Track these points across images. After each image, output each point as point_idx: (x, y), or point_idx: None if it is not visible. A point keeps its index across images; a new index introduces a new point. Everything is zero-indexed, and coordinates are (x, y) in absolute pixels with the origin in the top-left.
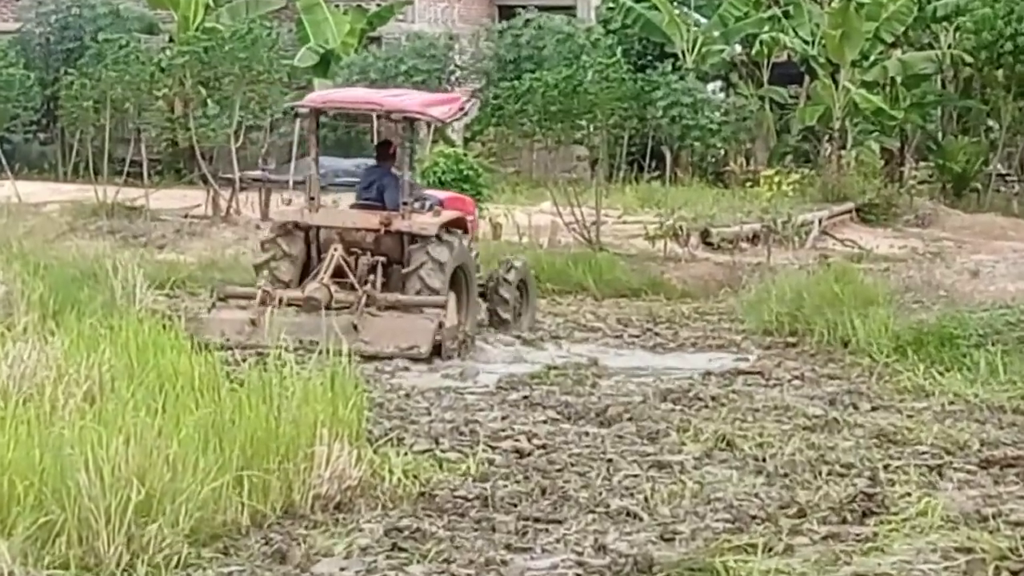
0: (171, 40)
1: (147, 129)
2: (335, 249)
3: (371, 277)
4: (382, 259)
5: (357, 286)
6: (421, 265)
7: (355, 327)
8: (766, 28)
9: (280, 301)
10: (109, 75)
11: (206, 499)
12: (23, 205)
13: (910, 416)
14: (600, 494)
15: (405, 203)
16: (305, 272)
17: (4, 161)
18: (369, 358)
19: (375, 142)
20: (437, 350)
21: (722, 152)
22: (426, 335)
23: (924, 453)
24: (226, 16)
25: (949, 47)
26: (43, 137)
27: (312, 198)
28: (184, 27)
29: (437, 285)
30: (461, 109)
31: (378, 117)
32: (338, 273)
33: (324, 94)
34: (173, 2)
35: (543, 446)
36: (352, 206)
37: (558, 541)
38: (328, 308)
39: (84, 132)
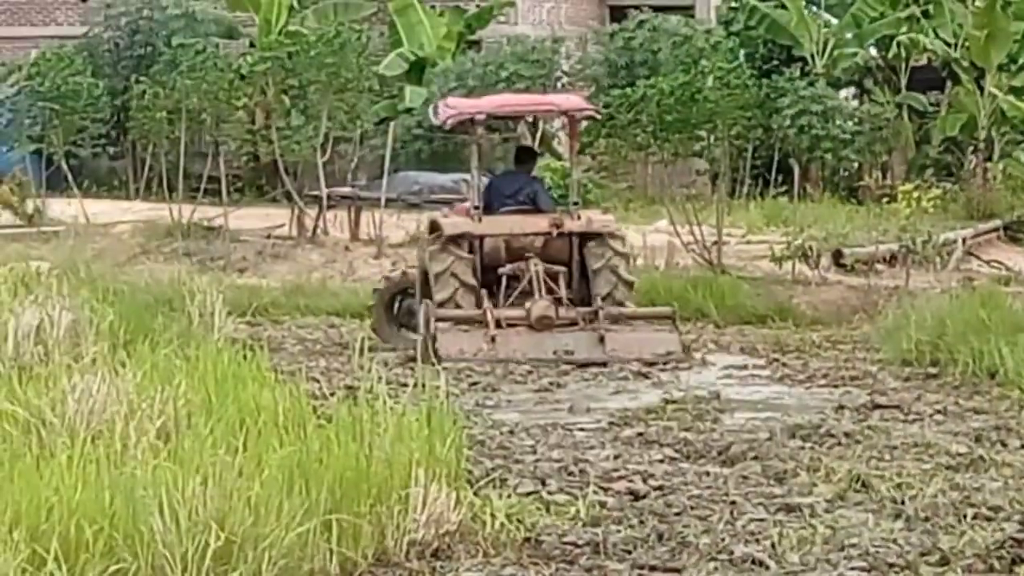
0: (252, 45)
1: (226, 142)
2: (535, 264)
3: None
4: (563, 267)
5: (564, 299)
6: (608, 259)
7: (602, 339)
8: (903, 29)
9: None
10: (184, 83)
11: (291, 545)
12: (91, 226)
13: None
14: (723, 540)
15: (562, 206)
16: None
17: (71, 178)
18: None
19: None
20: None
21: (855, 165)
22: (675, 340)
23: None
24: (312, 19)
25: None
26: (113, 151)
27: (476, 207)
28: (266, 31)
29: (630, 277)
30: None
31: (532, 121)
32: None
33: (471, 102)
34: (254, 4)
35: (660, 487)
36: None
37: None
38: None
39: (157, 146)
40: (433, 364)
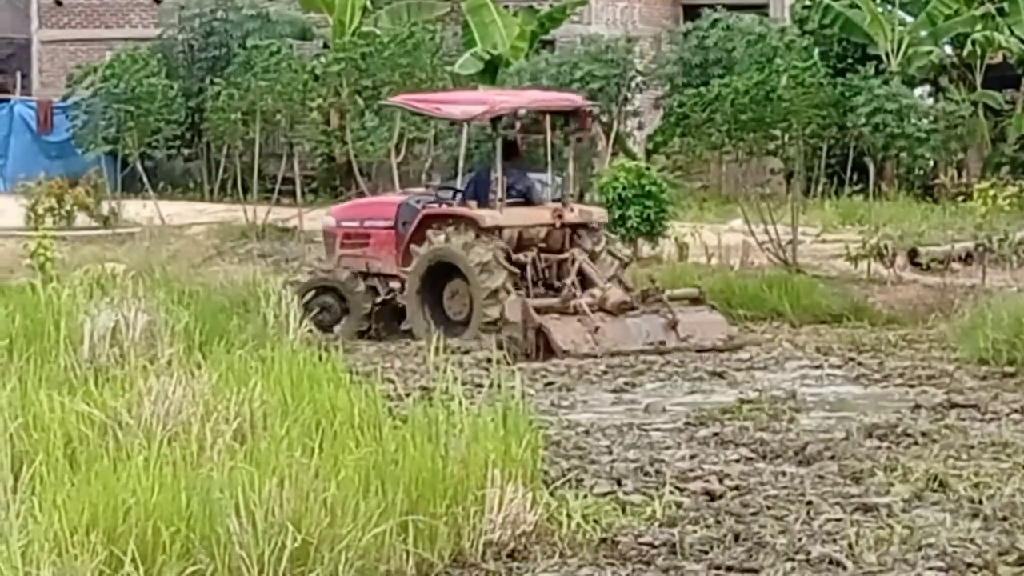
0: (325, 46)
1: (300, 143)
2: (580, 253)
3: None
4: (565, 256)
5: (599, 288)
6: (605, 244)
7: (674, 326)
8: (979, 27)
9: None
10: (258, 85)
11: (368, 546)
12: (166, 227)
13: None
14: (799, 540)
15: (560, 199)
16: None
17: (146, 179)
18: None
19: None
20: None
21: (931, 163)
22: (725, 323)
23: None
24: (385, 20)
25: None
26: (187, 153)
27: (501, 199)
28: (340, 32)
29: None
30: None
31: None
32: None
33: (499, 98)
34: (328, 5)
35: (736, 487)
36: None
37: None
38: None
39: (231, 147)
40: (543, 359)
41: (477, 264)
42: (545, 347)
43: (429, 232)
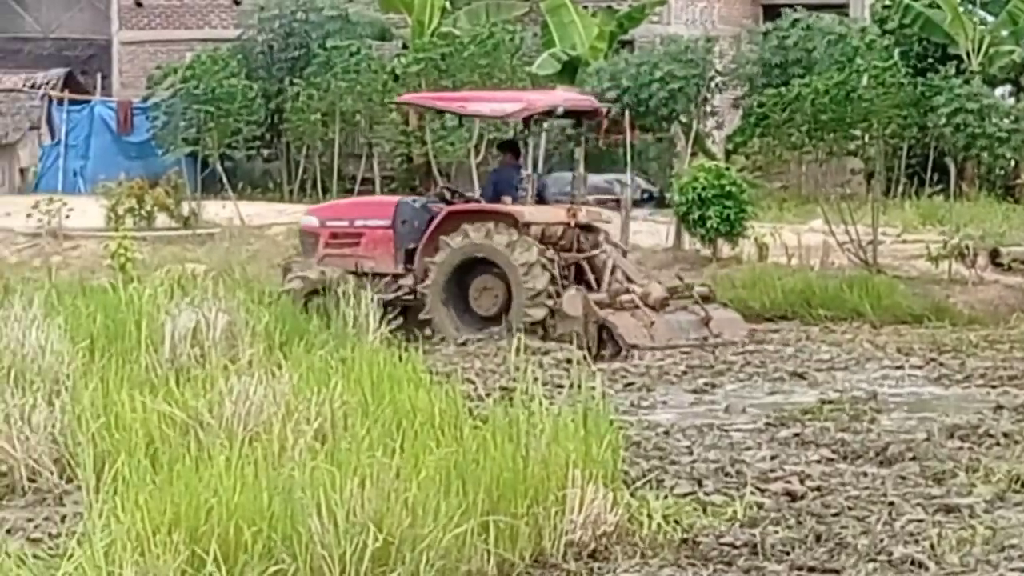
0: (405, 46)
1: (379, 143)
2: (613, 251)
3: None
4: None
5: (637, 284)
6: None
7: (707, 323)
8: None
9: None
10: (338, 85)
11: (449, 546)
12: (246, 228)
13: None
14: (881, 541)
15: (575, 198)
16: None
17: (226, 180)
18: None
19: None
20: None
21: (1012, 163)
22: (743, 321)
23: None
24: (464, 20)
25: None
26: (267, 153)
27: (533, 199)
28: (419, 32)
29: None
30: None
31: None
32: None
33: (534, 97)
34: (407, 6)
35: (817, 488)
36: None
37: None
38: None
39: (311, 147)
40: (611, 355)
41: (523, 264)
42: (605, 341)
43: (466, 227)
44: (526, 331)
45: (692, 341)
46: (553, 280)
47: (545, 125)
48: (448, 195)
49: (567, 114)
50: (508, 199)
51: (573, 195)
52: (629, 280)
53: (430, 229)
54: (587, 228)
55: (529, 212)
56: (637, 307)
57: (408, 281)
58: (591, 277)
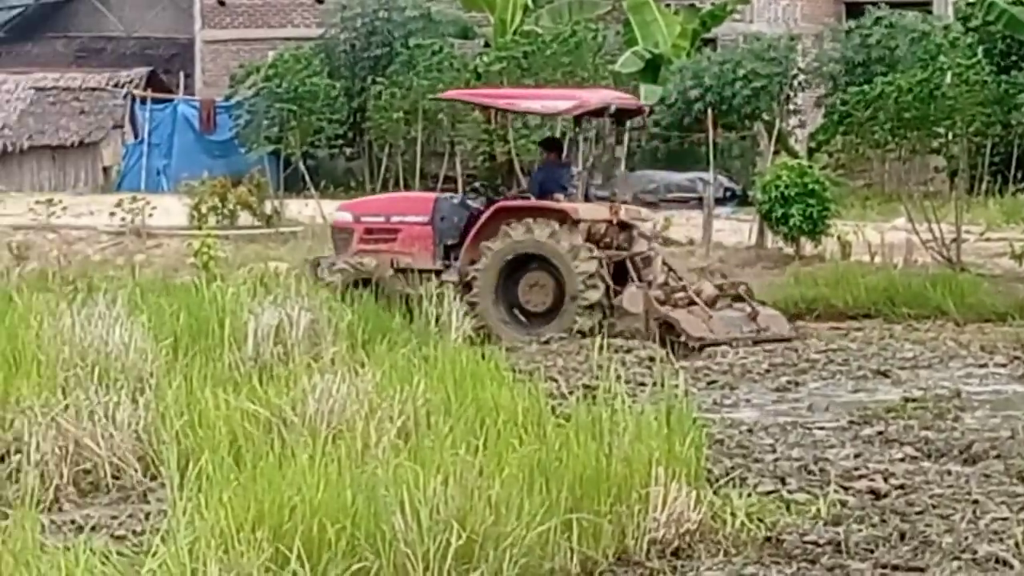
0: (487, 45)
1: (462, 142)
2: (660, 248)
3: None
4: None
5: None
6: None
7: (754, 318)
8: None
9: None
10: (421, 83)
11: (532, 544)
12: (328, 226)
13: None
14: (966, 539)
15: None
16: None
17: (308, 178)
18: None
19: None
20: None
21: None
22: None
23: None
24: (546, 18)
25: None
26: (349, 152)
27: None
28: (501, 31)
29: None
30: None
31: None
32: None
33: (586, 94)
34: (489, 4)
35: (901, 486)
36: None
37: None
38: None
39: (393, 146)
40: (676, 348)
41: (582, 273)
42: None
43: (524, 222)
44: (580, 333)
45: (746, 335)
46: (607, 285)
47: (594, 122)
48: (486, 191)
49: (616, 113)
50: (560, 196)
51: (614, 192)
52: (678, 278)
53: (478, 224)
54: (624, 226)
55: (584, 209)
56: (694, 303)
57: (451, 277)
58: (633, 275)
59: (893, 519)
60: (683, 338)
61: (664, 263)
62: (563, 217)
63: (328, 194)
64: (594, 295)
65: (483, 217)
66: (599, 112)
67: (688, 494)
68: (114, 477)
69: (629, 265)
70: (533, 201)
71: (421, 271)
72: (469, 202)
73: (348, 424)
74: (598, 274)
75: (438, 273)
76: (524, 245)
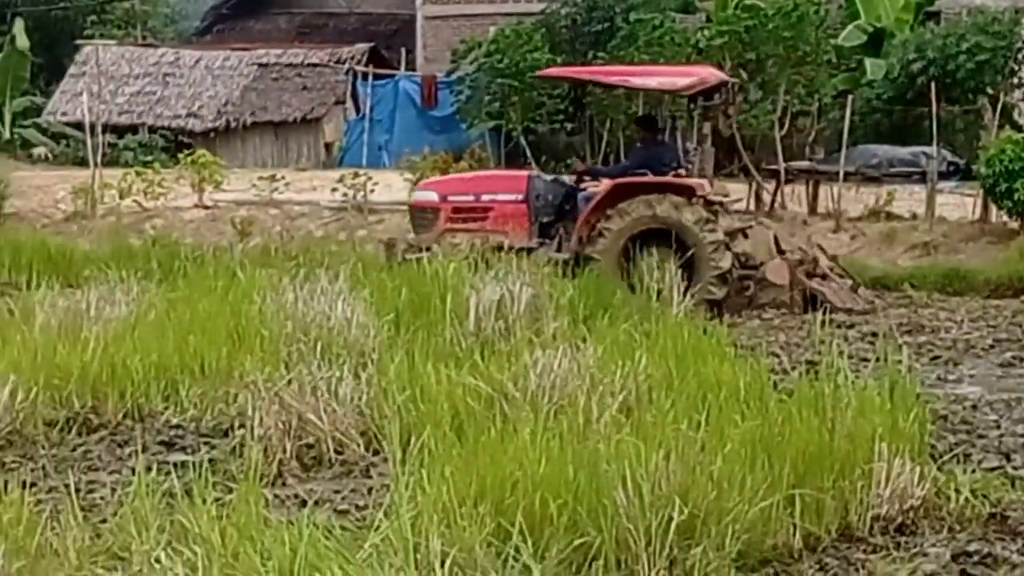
0: (708, 19)
1: (682, 116)
2: (767, 223)
3: None
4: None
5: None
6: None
7: (855, 289)
8: None
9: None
10: (642, 58)
11: (754, 520)
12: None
13: None
14: None
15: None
16: None
17: (529, 153)
18: None
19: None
20: None
21: None
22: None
23: None
24: None
25: None
26: (570, 127)
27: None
28: (723, 5)
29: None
30: None
31: None
32: None
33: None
34: None
35: None
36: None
37: None
38: None
39: (614, 120)
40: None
41: (712, 243)
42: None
43: (637, 201)
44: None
45: (868, 306)
46: (732, 259)
47: (700, 100)
48: (582, 170)
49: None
50: (668, 172)
51: (702, 169)
52: (780, 251)
53: (595, 200)
54: (709, 203)
55: (708, 185)
56: (825, 276)
57: (550, 254)
58: (772, 247)
59: None
60: (829, 309)
61: (775, 236)
62: (683, 192)
63: (549, 169)
64: (725, 263)
65: (601, 193)
66: (715, 89)
67: (912, 470)
68: (337, 452)
69: (770, 237)
70: (651, 178)
71: (517, 249)
72: (561, 180)
73: (570, 399)
74: (724, 243)
75: (529, 251)
76: (651, 220)
